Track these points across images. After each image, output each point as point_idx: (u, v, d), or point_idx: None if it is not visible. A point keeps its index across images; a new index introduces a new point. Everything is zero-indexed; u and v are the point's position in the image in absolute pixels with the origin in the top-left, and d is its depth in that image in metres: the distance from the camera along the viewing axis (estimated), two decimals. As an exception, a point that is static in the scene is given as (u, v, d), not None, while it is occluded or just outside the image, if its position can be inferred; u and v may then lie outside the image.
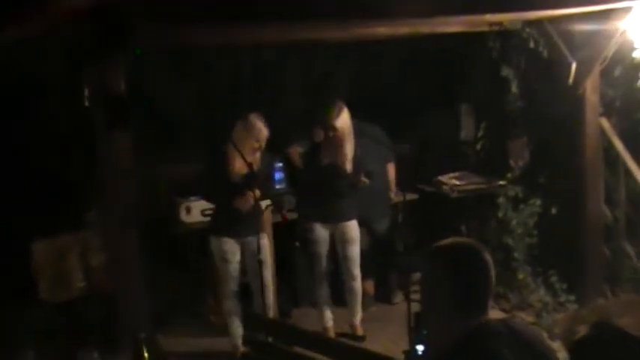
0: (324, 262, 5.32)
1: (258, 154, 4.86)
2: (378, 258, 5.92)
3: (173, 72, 6.45)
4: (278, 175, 5.96)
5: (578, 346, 2.02)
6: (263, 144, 4.83)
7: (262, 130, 4.78)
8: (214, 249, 5.01)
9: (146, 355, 2.47)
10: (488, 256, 2.04)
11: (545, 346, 2.06)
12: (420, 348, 2.36)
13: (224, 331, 5.22)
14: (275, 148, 5.41)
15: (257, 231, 4.84)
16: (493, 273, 2.02)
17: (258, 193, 4.75)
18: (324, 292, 5.36)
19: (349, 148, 5.10)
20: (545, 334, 4.49)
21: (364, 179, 5.05)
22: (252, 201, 4.76)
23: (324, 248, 5.30)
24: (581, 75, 5.15)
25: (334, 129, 5.03)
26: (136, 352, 2.47)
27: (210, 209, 5.56)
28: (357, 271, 5.31)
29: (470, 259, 2.03)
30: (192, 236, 5.81)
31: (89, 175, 4.90)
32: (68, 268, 5.27)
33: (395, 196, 5.98)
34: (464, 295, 1.99)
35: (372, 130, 5.74)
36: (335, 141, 5.07)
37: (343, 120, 5.05)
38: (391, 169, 5.95)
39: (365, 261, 5.45)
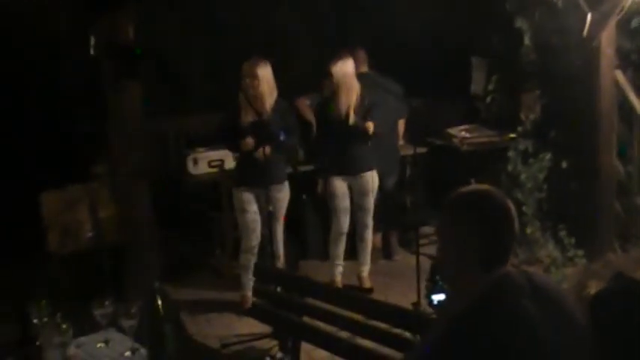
0: (345, 218, 5.25)
1: (268, 102, 4.80)
2: (387, 213, 5.89)
3: (181, 23, 6.37)
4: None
5: (598, 298, 1.98)
6: (257, 82, 4.74)
7: (256, 66, 4.72)
8: (234, 199, 5.02)
9: (160, 303, 2.45)
10: (511, 204, 1.98)
11: (563, 295, 2.03)
12: (435, 297, 2.35)
13: (233, 282, 5.24)
14: (287, 99, 5.37)
15: (274, 181, 4.83)
16: (517, 221, 1.97)
17: (268, 149, 4.69)
18: (340, 248, 5.31)
19: (351, 98, 5.03)
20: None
21: (368, 123, 4.98)
22: (251, 145, 4.70)
23: (345, 202, 5.24)
24: (596, 27, 5.02)
25: (331, 76, 4.99)
26: (149, 301, 2.45)
27: (217, 160, 5.54)
28: (369, 221, 5.29)
29: (495, 207, 1.97)
30: (199, 188, 5.80)
31: (98, 127, 4.87)
32: (77, 219, 5.26)
33: (403, 149, 5.93)
34: (489, 245, 1.94)
35: (390, 85, 5.69)
36: (336, 90, 5.03)
37: (342, 69, 4.99)
38: (401, 125, 5.89)
39: (374, 215, 5.43)
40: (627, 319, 1.88)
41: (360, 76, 5.24)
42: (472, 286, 1.93)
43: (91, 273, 4.92)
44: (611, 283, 2.12)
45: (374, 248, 5.68)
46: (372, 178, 5.22)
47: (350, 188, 5.25)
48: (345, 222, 5.26)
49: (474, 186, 2.06)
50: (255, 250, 5.01)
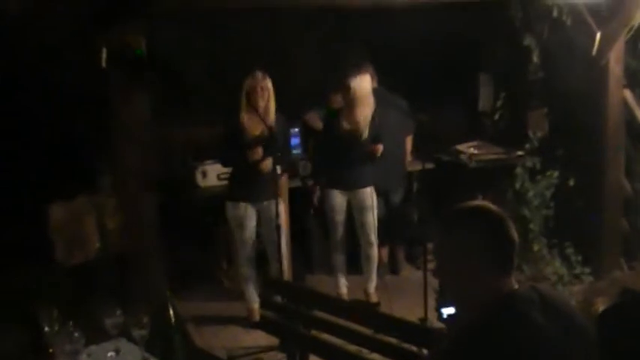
0: (340, 230, 5.33)
1: (271, 116, 4.83)
2: (394, 228, 5.90)
3: (189, 36, 6.40)
4: (295, 141, 5.93)
5: (607, 313, 1.99)
6: (271, 95, 4.80)
7: (264, 79, 4.79)
8: (230, 214, 5.01)
9: (171, 312, 2.46)
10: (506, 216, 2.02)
11: (572, 308, 2.05)
12: (445, 311, 2.35)
13: (238, 296, 5.24)
14: (292, 113, 5.40)
15: (273, 196, 4.83)
16: (515, 232, 2.00)
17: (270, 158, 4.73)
18: (340, 259, 5.38)
19: (366, 114, 5.07)
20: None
21: (378, 146, 5.02)
22: (261, 153, 4.74)
23: (341, 216, 5.30)
24: (605, 45, 5.06)
25: (349, 91, 5.02)
26: (161, 311, 2.46)
27: (226, 173, 5.55)
28: (373, 238, 5.30)
29: (494, 217, 2.00)
30: (208, 200, 5.81)
31: (104, 137, 4.89)
32: (84, 230, 5.28)
33: (410, 165, 5.95)
34: (495, 253, 1.96)
35: (397, 102, 5.73)
36: (351, 105, 5.05)
37: (360, 84, 5.03)
38: (409, 141, 5.92)
39: (381, 230, 5.44)
40: (635, 333, 1.89)
41: None
42: (480, 297, 1.94)
43: (98, 282, 4.93)
44: (619, 298, 2.13)
45: (380, 263, 5.69)
46: (370, 194, 5.24)
47: (349, 203, 5.28)
48: (341, 232, 5.34)
49: (466, 203, 2.07)
50: (253, 261, 5.05)
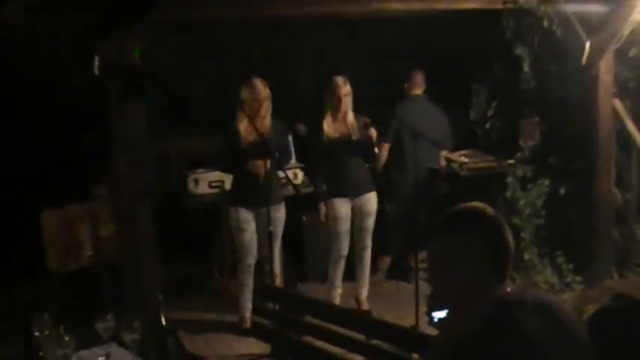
0: (345, 241, 5.22)
1: (267, 122, 4.87)
2: (396, 236, 5.93)
3: (185, 48, 6.44)
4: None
5: (599, 315, 2.00)
6: (269, 103, 4.83)
7: (263, 88, 4.81)
8: (231, 219, 5.03)
9: (163, 319, 2.46)
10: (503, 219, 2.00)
11: (564, 310, 2.04)
12: (436, 315, 2.35)
13: (231, 304, 5.24)
14: (288, 121, 5.43)
15: (274, 202, 4.85)
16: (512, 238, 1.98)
17: (267, 163, 4.76)
18: (339, 270, 5.30)
19: (353, 119, 5.11)
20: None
21: (372, 130, 5.03)
22: (262, 166, 4.75)
23: (345, 225, 5.20)
24: (595, 55, 5.12)
25: (340, 100, 5.03)
26: (153, 315, 2.47)
27: (218, 181, 5.57)
28: (369, 242, 5.29)
29: (492, 220, 1.97)
30: (200, 208, 5.82)
31: (99, 148, 4.90)
32: (77, 239, 5.29)
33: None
34: (491, 262, 1.93)
35: (437, 114, 5.86)
36: (342, 112, 5.08)
37: (348, 91, 5.06)
38: (442, 156, 6.00)
39: (381, 238, 5.46)
40: (627, 336, 1.90)
41: (413, 98, 5.64)
42: (477, 301, 1.93)
43: (91, 290, 4.93)
44: (610, 302, 2.14)
45: (379, 271, 5.70)
46: (371, 200, 5.24)
47: (352, 210, 5.27)
48: (346, 245, 5.24)
49: (463, 204, 2.03)
50: (252, 269, 5.03)
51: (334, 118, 5.12)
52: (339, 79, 5.08)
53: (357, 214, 5.25)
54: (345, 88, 5.05)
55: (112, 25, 4.11)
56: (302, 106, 6.05)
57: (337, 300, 5.37)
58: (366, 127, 5.04)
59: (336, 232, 5.22)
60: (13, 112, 5.86)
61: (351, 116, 5.11)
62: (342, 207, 5.19)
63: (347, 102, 5.08)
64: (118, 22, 4.04)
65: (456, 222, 2.00)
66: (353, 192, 5.20)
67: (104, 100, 4.47)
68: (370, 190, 5.24)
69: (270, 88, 4.90)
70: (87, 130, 5.56)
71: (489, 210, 2.00)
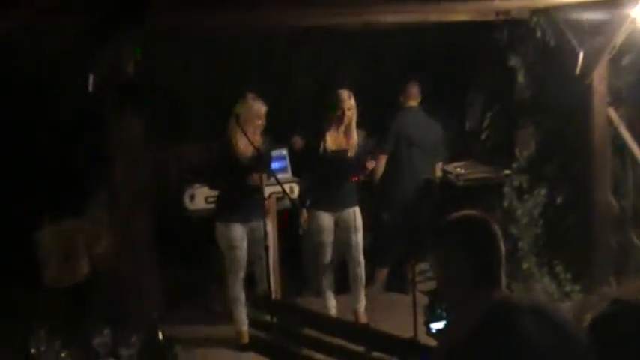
0: (328, 251, 5.29)
1: (259, 136, 4.88)
2: (394, 246, 5.92)
3: (181, 59, 6.43)
4: (283, 164, 5.94)
5: (598, 320, 2.00)
6: (264, 121, 4.86)
7: (261, 107, 4.84)
8: (220, 235, 5.00)
9: (160, 334, 2.45)
10: (497, 228, 2.06)
11: (562, 314, 2.08)
12: (434, 326, 2.35)
13: (228, 318, 5.21)
14: (280, 136, 5.43)
15: (261, 216, 4.84)
16: (502, 244, 2.04)
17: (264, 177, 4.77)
18: (328, 279, 5.35)
19: (356, 134, 5.11)
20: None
21: (370, 162, 5.06)
22: (259, 180, 4.75)
23: (328, 237, 5.26)
24: (588, 64, 5.13)
25: (344, 113, 5.04)
26: (150, 330, 2.45)
27: (214, 197, 5.55)
28: (361, 258, 5.29)
29: (480, 231, 2.04)
30: (196, 223, 5.80)
31: (94, 162, 4.89)
32: (73, 253, 5.26)
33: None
34: (478, 268, 2.00)
35: (433, 126, 5.87)
36: (344, 126, 5.08)
37: (352, 105, 5.06)
38: (438, 168, 6.00)
39: (378, 249, 5.46)
40: (627, 340, 1.90)
41: (408, 109, 5.62)
42: (473, 304, 1.96)
43: (88, 304, 4.90)
44: (609, 307, 2.13)
45: (377, 282, 5.69)
46: (355, 215, 5.24)
47: (336, 224, 5.27)
48: (329, 253, 5.28)
49: (460, 213, 2.12)
50: (243, 282, 5.02)
51: (335, 130, 5.13)
52: (344, 93, 5.09)
53: (342, 229, 5.26)
54: (349, 102, 5.07)
55: (110, 30, 4.08)
56: (300, 107, 6.06)
57: (333, 311, 5.36)
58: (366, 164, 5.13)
59: (321, 242, 5.26)
60: (9, 122, 5.83)
61: (354, 132, 5.12)
62: (325, 219, 5.22)
63: (350, 116, 5.08)
64: (116, 26, 4.02)
65: (445, 231, 2.10)
66: (338, 206, 5.23)
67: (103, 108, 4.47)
68: (354, 205, 5.24)
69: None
70: (86, 137, 5.55)
71: (480, 217, 2.09)
